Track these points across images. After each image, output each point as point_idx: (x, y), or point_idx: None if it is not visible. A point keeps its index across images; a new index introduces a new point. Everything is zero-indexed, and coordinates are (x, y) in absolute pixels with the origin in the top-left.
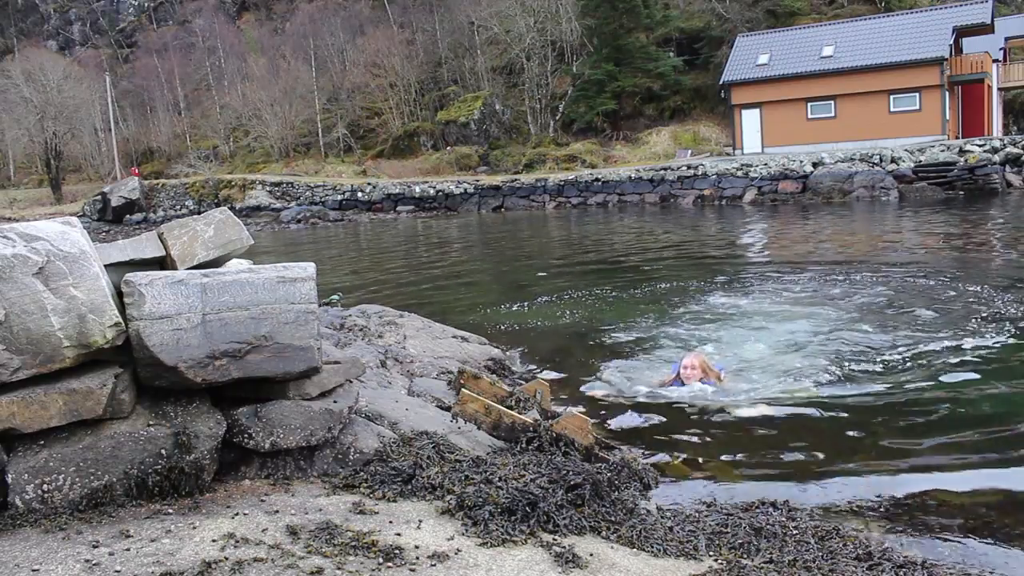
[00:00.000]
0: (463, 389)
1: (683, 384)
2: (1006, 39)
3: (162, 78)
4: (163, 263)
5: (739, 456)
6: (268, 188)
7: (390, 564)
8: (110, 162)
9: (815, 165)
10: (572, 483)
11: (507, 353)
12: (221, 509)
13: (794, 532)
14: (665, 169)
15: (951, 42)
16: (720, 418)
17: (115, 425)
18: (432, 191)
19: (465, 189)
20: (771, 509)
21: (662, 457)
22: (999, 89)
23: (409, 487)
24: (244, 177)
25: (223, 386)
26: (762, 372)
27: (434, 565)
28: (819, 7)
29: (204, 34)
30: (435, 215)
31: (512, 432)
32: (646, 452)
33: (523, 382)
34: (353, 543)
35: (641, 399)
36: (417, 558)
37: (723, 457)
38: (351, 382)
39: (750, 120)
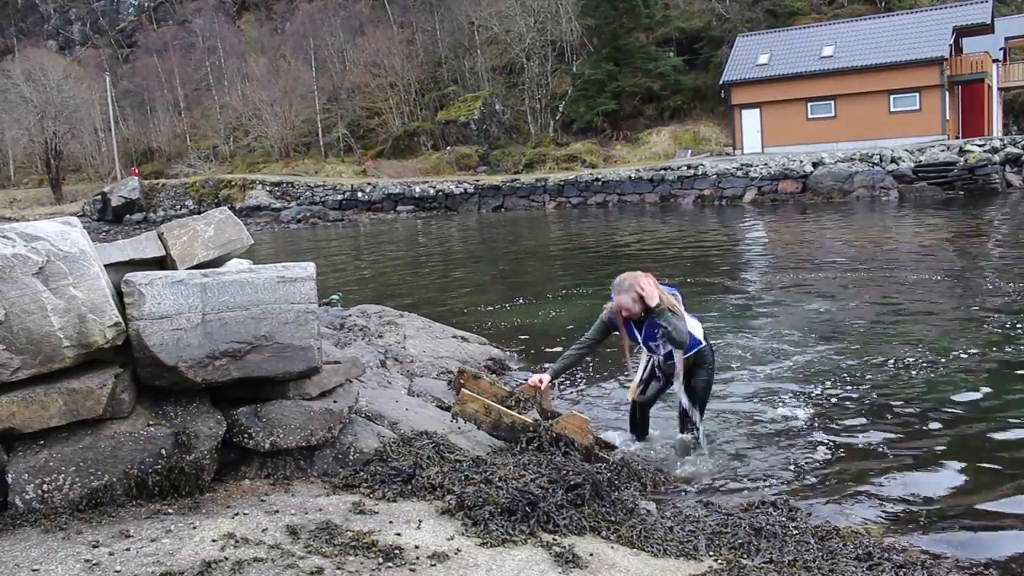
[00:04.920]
0: (463, 389)
1: (626, 321)
2: (1006, 39)
3: (162, 78)
4: (163, 263)
5: (739, 456)
6: (268, 188)
7: (390, 564)
8: (110, 162)
9: (815, 165)
10: (572, 483)
11: (507, 353)
12: (221, 509)
13: (794, 532)
14: (665, 169)
15: (951, 42)
16: (719, 419)
17: (115, 425)
18: (432, 191)
19: (465, 189)
20: (771, 509)
21: (661, 457)
22: (999, 89)
23: (409, 487)
24: (244, 177)
25: (223, 386)
26: (758, 370)
27: (434, 565)
28: (819, 7)
29: (204, 34)
30: (435, 215)
31: (512, 432)
32: (646, 452)
33: (523, 382)
34: (353, 543)
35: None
36: (417, 558)
37: (723, 457)
38: (351, 382)
39: (750, 120)
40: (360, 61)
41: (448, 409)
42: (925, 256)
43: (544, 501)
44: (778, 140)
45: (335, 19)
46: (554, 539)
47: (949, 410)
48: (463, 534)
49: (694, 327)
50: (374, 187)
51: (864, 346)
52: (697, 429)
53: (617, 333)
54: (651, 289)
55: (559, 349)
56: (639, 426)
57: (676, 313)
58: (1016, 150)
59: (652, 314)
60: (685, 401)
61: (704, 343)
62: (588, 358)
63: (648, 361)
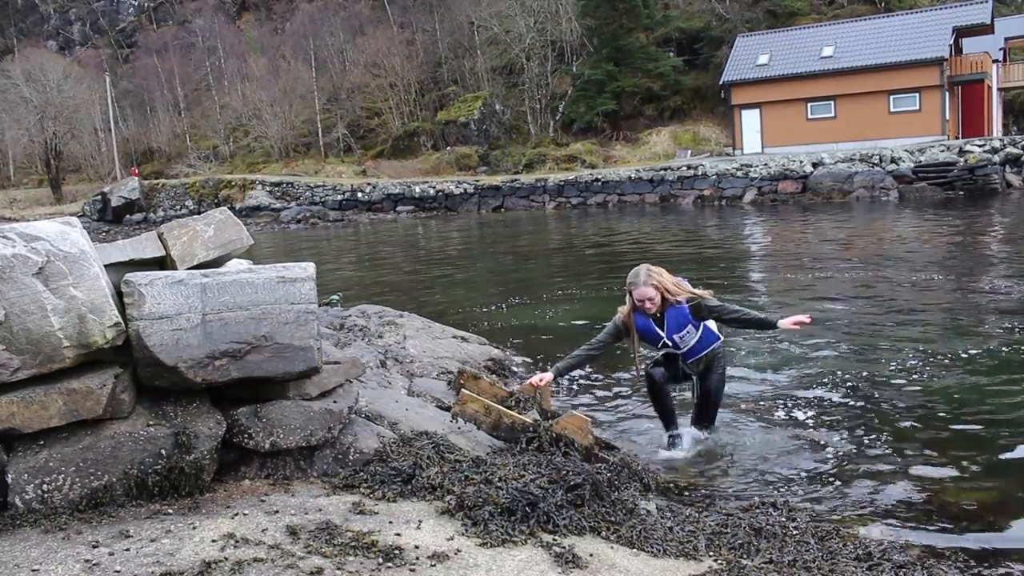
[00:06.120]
0: (463, 389)
1: (645, 320)
2: (1006, 39)
3: (162, 78)
4: (163, 263)
5: (740, 457)
6: (268, 188)
7: (390, 564)
8: (110, 162)
9: (815, 165)
10: (572, 483)
11: (507, 353)
12: (221, 509)
13: (794, 532)
14: (665, 169)
15: (951, 42)
16: (720, 419)
17: (115, 425)
18: (432, 191)
19: (465, 189)
20: (771, 509)
21: (662, 457)
22: (999, 89)
23: (409, 487)
24: (244, 177)
25: (223, 386)
26: (757, 370)
27: (434, 565)
28: (819, 7)
29: (204, 34)
30: (435, 215)
31: (512, 432)
32: (646, 452)
33: (525, 380)
34: (353, 543)
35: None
36: (417, 558)
37: (724, 457)
38: (351, 382)
39: (750, 120)
40: (360, 61)
41: (448, 409)
42: (925, 256)
43: (544, 501)
44: (778, 140)
45: (335, 19)
46: (554, 539)
47: (949, 410)
48: (463, 534)
49: (711, 323)
50: (374, 187)
51: (865, 346)
52: (710, 430)
53: (658, 339)
54: (675, 288)
55: (559, 349)
56: (664, 407)
57: (709, 300)
58: (1016, 150)
59: (671, 305)
60: (699, 402)
61: (720, 340)
62: (596, 361)
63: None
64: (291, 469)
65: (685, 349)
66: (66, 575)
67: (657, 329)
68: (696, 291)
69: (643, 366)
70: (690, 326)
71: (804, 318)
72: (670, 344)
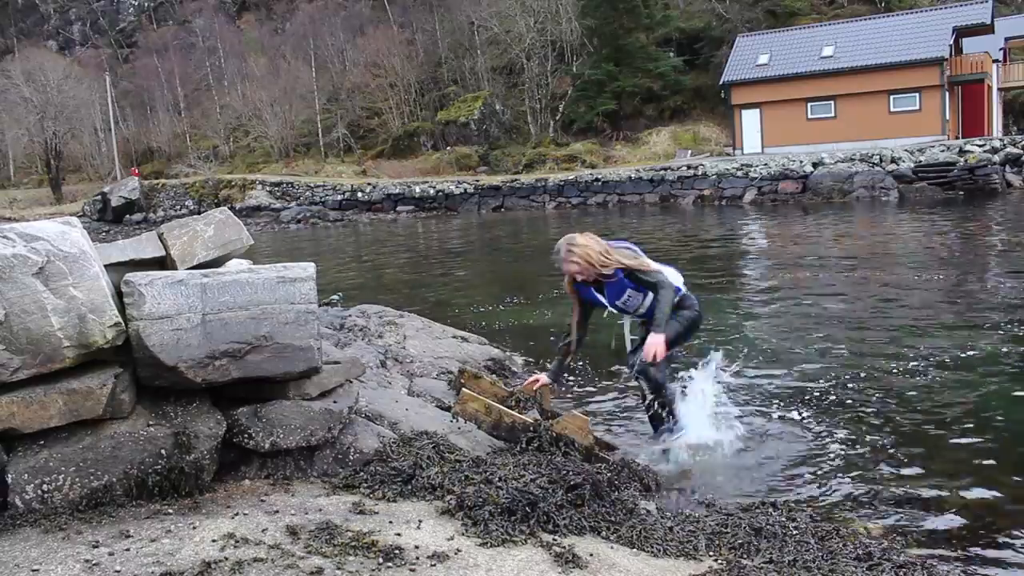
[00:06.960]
0: (463, 388)
1: (587, 288)
2: (1006, 39)
3: (162, 78)
4: (163, 263)
5: (740, 457)
6: (268, 188)
7: (390, 564)
8: (110, 162)
9: (815, 165)
10: (572, 483)
11: (507, 353)
12: (221, 509)
13: (794, 532)
14: (665, 169)
15: (951, 42)
16: (720, 418)
17: (115, 425)
18: (432, 191)
19: (465, 189)
20: (771, 509)
21: (661, 457)
22: (999, 89)
23: (409, 487)
24: (244, 177)
25: (223, 386)
26: (758, 369)
27: (434, 565)
28: (819, 7)
29: (204, 34)
30: (435, 215)
31: (512, 432)
32: (646, 452)
33: (523, 382)
34: (353, 543)
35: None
36: (417, 558)
37: (723, 457)
38: (351, 382)
39: (750, 120)
40: (360, 61)
41: (448, 409)
42: (925, 256)
43: (544, 501)
44: (778, 140)
45: (335, 19)
46: (554, 539)
47: (950, 410)
48: (463, 534)
49: (674, 276)
50: (374, 187)
51: (865, 346)
52: (671, 427)
53: (604, 307)
54: (600, 256)
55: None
56: (664, 420)
57: (644, 271)
58: (1016, 150)
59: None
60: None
61: (681, 291)
62: (584, 341)
63: (634, 338)
64: (291, 469)
65: (642, 311)
66: (66, 575)
67: (599, 296)
68: (627, 261)
69: (632, 370)
70: (630, 291)
71: (661, 353)
72: (615, 311)
